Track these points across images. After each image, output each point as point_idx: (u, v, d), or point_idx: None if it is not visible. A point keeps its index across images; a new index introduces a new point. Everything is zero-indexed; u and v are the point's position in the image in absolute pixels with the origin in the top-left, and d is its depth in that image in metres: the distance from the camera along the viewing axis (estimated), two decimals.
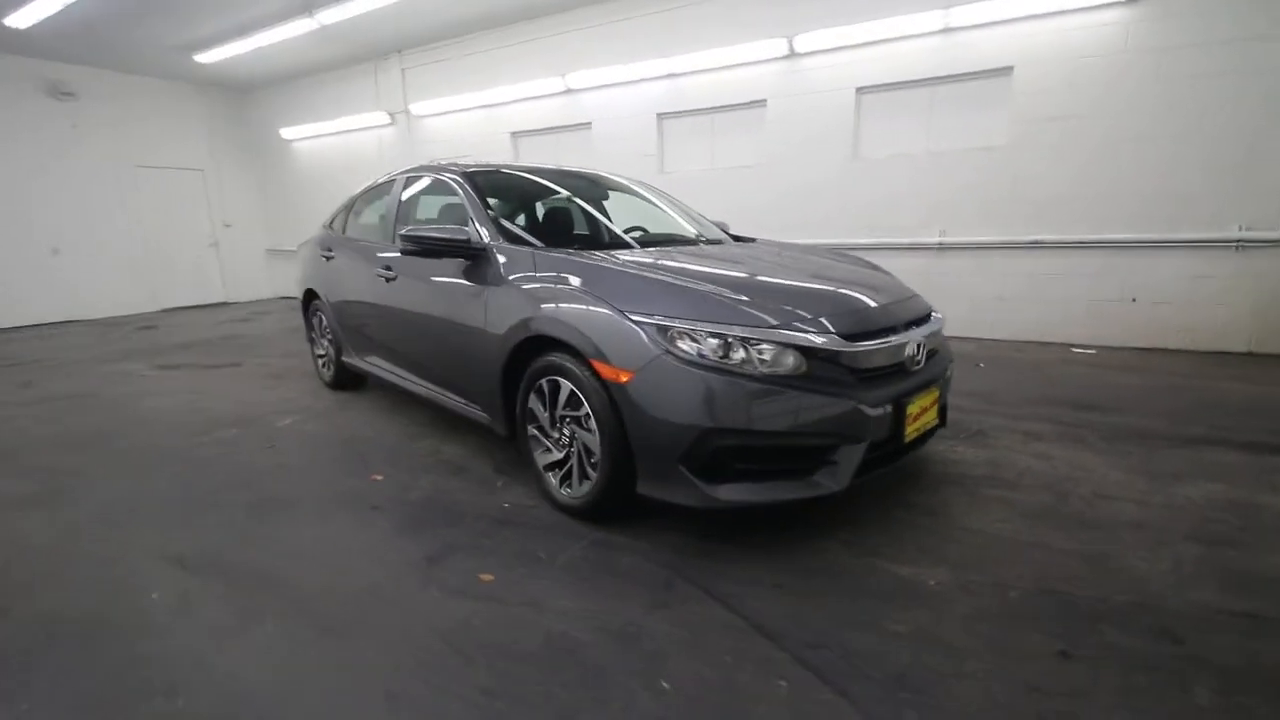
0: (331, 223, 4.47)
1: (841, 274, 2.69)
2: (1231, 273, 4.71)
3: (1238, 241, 4.64)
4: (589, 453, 2.28)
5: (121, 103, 9.14)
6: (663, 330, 2.04)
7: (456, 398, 3.04)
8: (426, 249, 2.79)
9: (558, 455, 2.44)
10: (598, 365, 2.13)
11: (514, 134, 7.94)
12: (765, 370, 1.99)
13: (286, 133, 9.96)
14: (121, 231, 9.30)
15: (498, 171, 3.43)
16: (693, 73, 6.51)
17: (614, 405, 2.12)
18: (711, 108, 6.58)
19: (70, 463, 3.17)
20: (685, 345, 2.01)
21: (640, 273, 2.33)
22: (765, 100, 6.26)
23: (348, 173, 9.47)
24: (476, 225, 2.86)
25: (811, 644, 1.67)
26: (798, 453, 2.05)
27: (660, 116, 6.88)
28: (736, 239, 3.54)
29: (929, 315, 2.56)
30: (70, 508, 2.66)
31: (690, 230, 3.46)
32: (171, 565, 2.16)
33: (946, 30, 5.31)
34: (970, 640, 1.67)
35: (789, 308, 2.15)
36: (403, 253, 2.91)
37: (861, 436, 2.06)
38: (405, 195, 3.60)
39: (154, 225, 9.61)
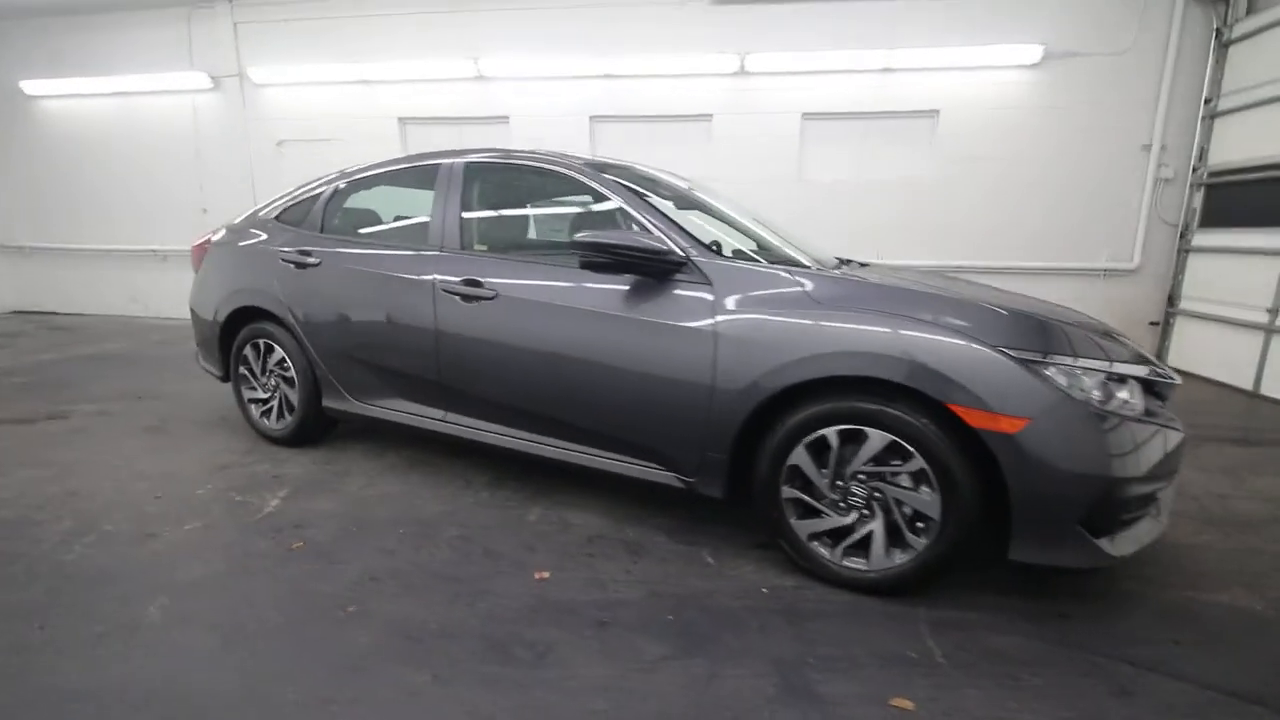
0: (278, 215, 3.24)
1: (1038, 303, 2.59)
2: (1100, 297, 5.85)
3: (1104, 270, 5.79)
4: (917, 517, 1.89)
5: None
6: (1055, 369, 1.77)
7: (617, 456, 2.35)
8: (622, 262, 2.11)
9: (842, 520, 1.99)
10: (962, 411, 1.76)
11: (402, 120, 6.71)
12: (1141, 409, 1.84)
13: (30, 87, 7.15)
14: None
15: (628, 168, 2.77)
16: (633, 76, 6.15)
17: (967, 458, 1.78)
18: (653, 116, 6.29)
19: None
20: (1085, 385, 1.76)
21: (975, 298, 2.01)
22: (712, 115, 6.17)
23: (142, 149, 7.19)
24: (664, 234, 2.24)
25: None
26: (1150, 496, 1.93)
27: (594, 119, 6.38)
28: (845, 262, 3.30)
29: None
30: None
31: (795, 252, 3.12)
32: None
33: (887, 70, 5.77)
34: None
35: (1094, 339, 2.02)
36: (582, 265, 2.16)
37: (1177, 470, 2.02)
38: (476, 189, 2.72)
39: None
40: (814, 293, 2.04)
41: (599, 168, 2.58)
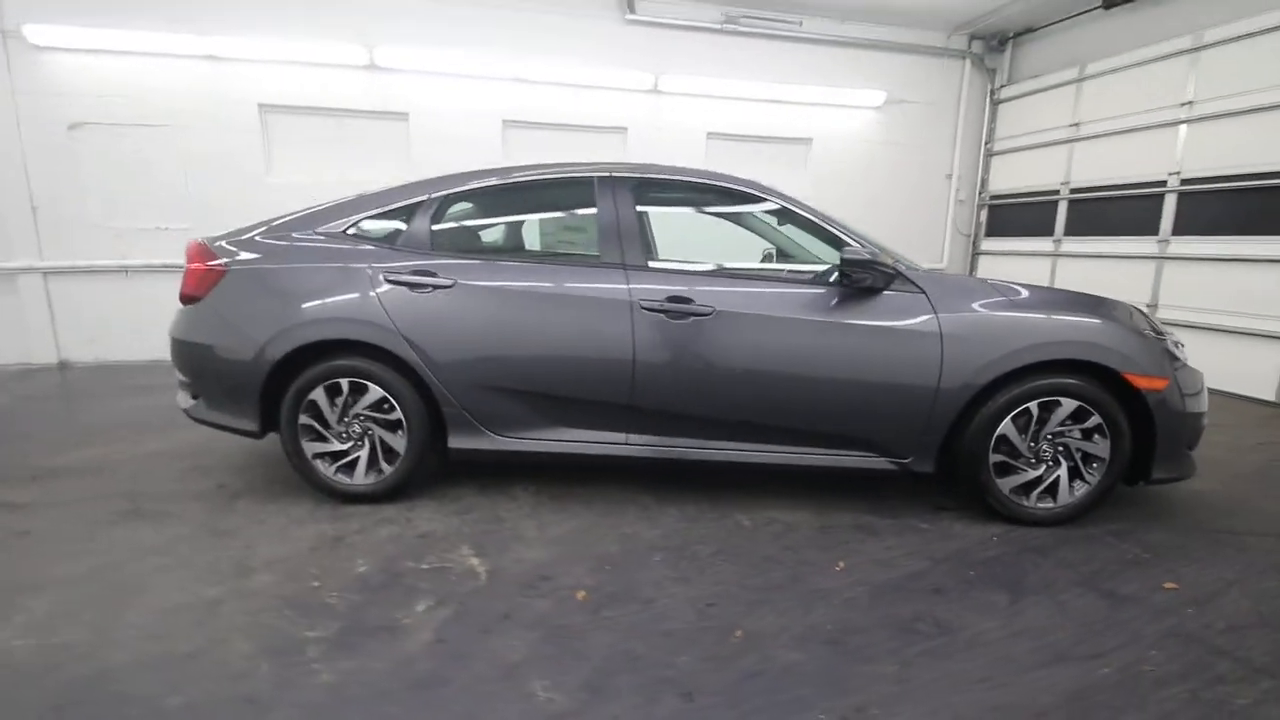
0: (348, 230, 2.71)
1: None
2: None
3: None
4: (1088, 460, 2.53)
5: None
6: (1168, 341, 2.54)
7: (829, 451, 2.59)
8: (880, 277, 2.38)
9: (1036, 473, 2.56)
10: (1133, 377, 2.44)
11: (264, 107, 5.59)
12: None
13: None
14: None
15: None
16: (549, 84, 6.08)
17: (1127, 412, 2.48)
18: (570, 125, 6.28)
19: None
20: (1178, 351, 2.57)
21: (1046, 290, 2.69)
22: (627, 128, 6.41)
23: None
24: (862, 245, 2.55)
25: None
26: None
27: (507, 123, 6.12)
28: None
29: None
30: None
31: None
32: None
33: (775, 101, 6.65)
34: None
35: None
36: (845, 283, 2.35)
37: None
38: (650, 205, 2.68)
39: None
40: (1006, 294, 2.57)
41: (765, 187, 2.77)
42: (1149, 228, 5.38)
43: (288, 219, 2.84)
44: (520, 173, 2.80)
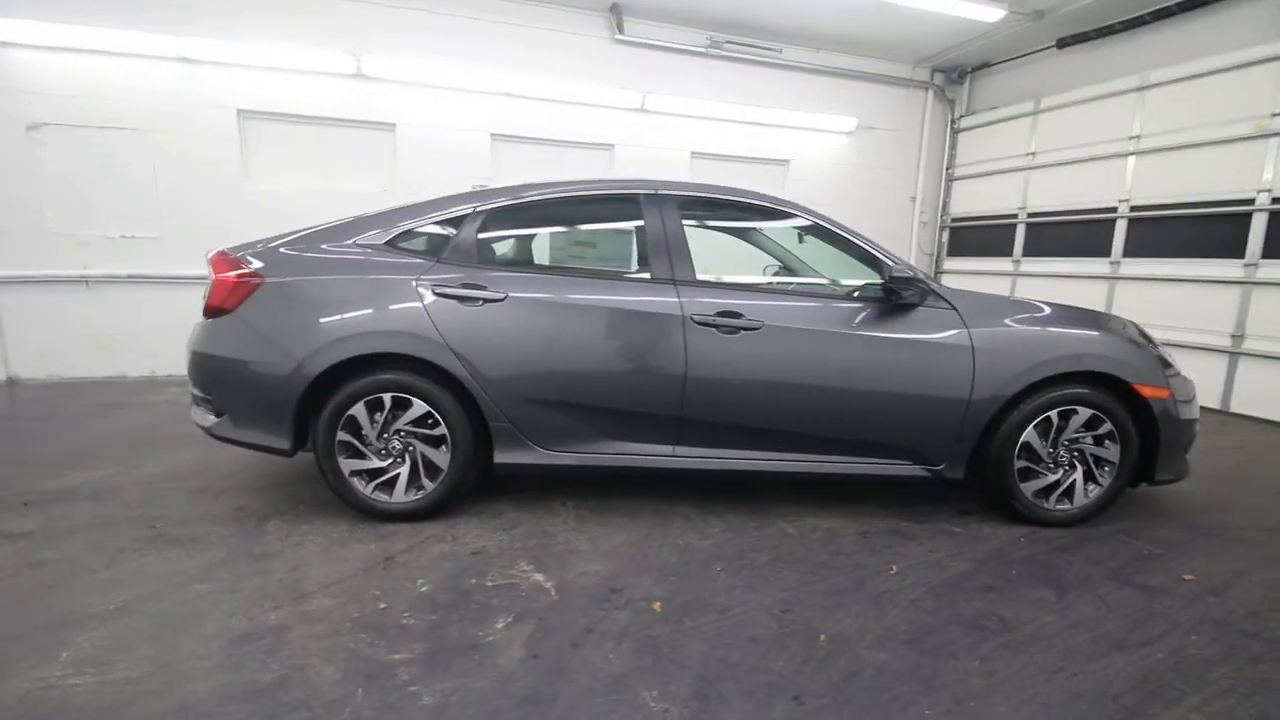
0: (391, 241, 2.66)
1: None
2: None
3: None
4: (1100, 463, 2.74)
5: None
6: (1162, 351, 2.79)
7: (869, 460, 2.71)
8: (920, 293, 2.52)
9: (1054, 477, 2.74)
10: (1141, 387, 2.66)
11: (243, 113, 5.38)
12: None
13: None
14: None
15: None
16: (538, 99, 6.10)
17: (1133, 419, 2.70)
18: (558, 141, 6.31)
19: None
20: (1172, 362, 2.81)
21: (1058, 306, 2.91)
22: (614, 145, 6.49)
23: None
24: (895, 263, 2.70)
25: None
26: None
27: (495, 137, 6.10)
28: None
29: None
30: None
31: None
32: None
33: (756, 124, 6.88)
34: None
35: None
36: (897, 304, 2.48)
37: None
38: (684, 220, 2.74)
39: None
40: (1029, 310, 2.76)
41: (800, 206, 2.89)
42: (1102, 250, 5.84)
43: (316, 230, 2.76)
44: (565, 188, 2.81)
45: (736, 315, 2.59)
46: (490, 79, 5.87)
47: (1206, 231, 5.07)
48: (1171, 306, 5.31)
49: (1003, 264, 6.95)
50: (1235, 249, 4.86)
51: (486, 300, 2.55)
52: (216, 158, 5.33)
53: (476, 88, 5.88)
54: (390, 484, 2.62)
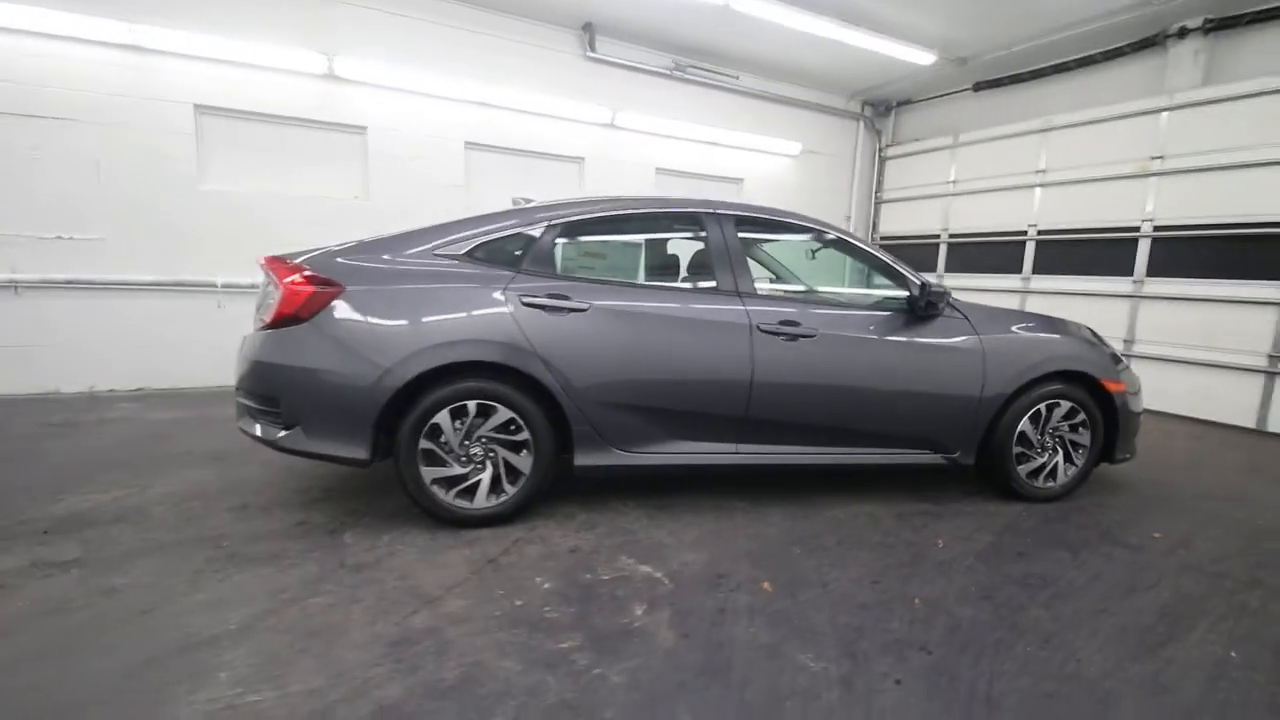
0: (468, 253, 2.71)
1: None
2: None
3: None
4: (1076, 447, 3.28)
5: None
6: (1114, 351, 3.39)
7: (899, 450, 3.08)
8: (945, 304, 2.92)
9: (1043, 460, 3.25)
10: (1106, 383, 3.23)
11: (200, 108, 5.03)
12: None
13: None
14: None
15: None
16: (511, 110, 6.15)
17: (1100, 409, 3.26)
18: (530, 151, 6.37)
19: None
20: (1123, 360, 3.42)
21: (1039, 315, 3.46)
22: (584, 158, 6.65)
23: None
24: (915, 279, 3.10)
25: None
26: None
27: (469, 145, 6.07)
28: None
29: None
30: None
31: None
32: None
33: (714, 144, 7.30)
34: None
35: None
36: (931, 315, 2.86)
37: None
38: (741, 235, 2.99)
39: None
40: (1020, 319, 3.26)
41: (832, 225, 3.24)
42: (1016, 268, 6.75)
43: (383, 239, 2.76)
44: (632, 204, 2.98)
45: (795, 324, 2.88)
46: (466, 88, 5.86)
47: (1101, 253, 6.03)
48: (1079, 318, 6.23)
49: (929, 279, 7.77)
50: (1125, 268, 5.83)
51: (571, 310, 2.66)
52: (169, 155, 4.94)
53: (452, 95, 5.84)
54: (468, 491, 2.65)
